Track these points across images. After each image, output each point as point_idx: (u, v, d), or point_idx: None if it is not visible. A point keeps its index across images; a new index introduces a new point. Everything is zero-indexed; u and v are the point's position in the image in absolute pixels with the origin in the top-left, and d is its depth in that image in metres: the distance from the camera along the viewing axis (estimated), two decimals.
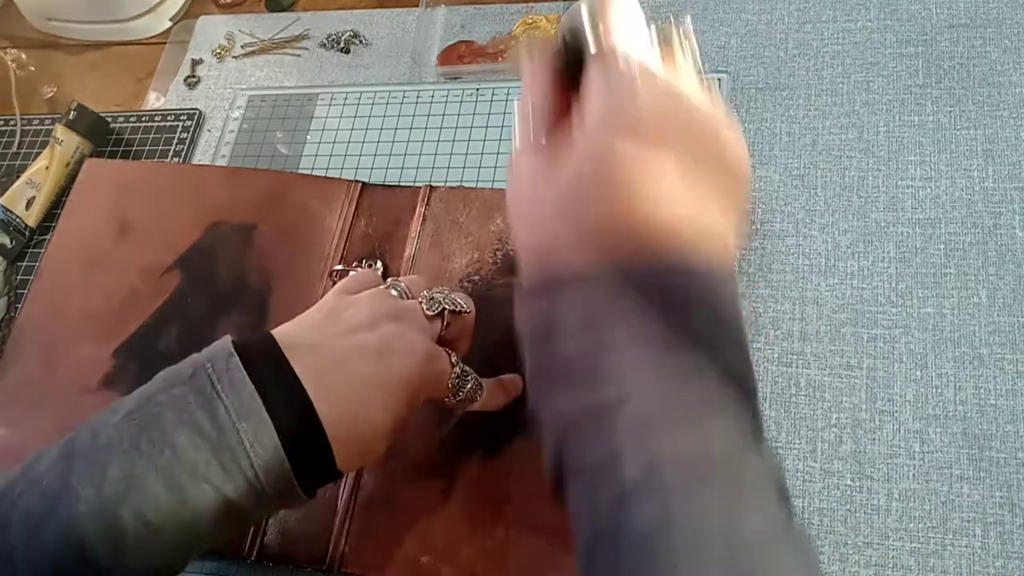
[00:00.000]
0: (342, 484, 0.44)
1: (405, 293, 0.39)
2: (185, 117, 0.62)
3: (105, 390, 0.49)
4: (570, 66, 0.32)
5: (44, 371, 0.51)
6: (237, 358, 0.32)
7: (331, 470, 0.34)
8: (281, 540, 0.43)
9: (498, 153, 0.55)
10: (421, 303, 0.39)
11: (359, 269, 0.49)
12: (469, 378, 0.39)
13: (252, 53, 0.65)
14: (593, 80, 0.29)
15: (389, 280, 0.41)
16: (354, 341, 0.35)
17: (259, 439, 0.31)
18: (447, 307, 0.39)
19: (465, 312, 0.40)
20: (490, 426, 0.44)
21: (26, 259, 0.59)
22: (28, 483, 0.31)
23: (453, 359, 0.38)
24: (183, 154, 0.60)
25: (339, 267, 0.51)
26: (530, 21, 0.60)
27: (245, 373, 0.32)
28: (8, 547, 0.30)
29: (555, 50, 0.32)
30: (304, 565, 0.43)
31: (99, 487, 0.30)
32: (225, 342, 0.34)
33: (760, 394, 0.44)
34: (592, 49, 0.30)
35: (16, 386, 0.51)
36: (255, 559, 0.43)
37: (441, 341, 0.39)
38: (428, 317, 0.38)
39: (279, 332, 0.35)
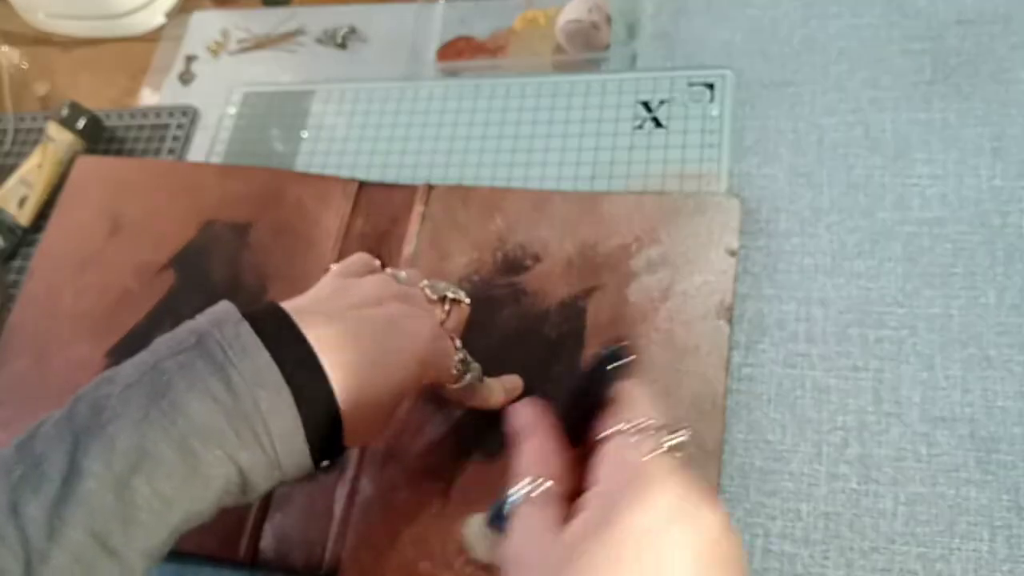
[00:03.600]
0: (338, 488, 0.43)
1: (405, 282, 0.39)
2: (180, 114, 0.61)
3: None
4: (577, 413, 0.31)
5: (37, 371, 0.51)
6: (247, 324, 0.32)
7: (339, 442, 0.34)
8: (277, 545, 0.43)
9: (498, 151, 0.54)
10: (424, 289, 0.39)
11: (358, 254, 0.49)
12: (472, 365, 0.39)
13: (247, 49, 0.64)
14: (609, 461, 0.28)
15: (388, 269, 0.40)
16: (364, 315, 0.35)
17: (276, 407, 0.31)
18: (448, 293, 0.39)
19: (463, 302, 0.40)
20: (490, 428, 0.43)
21: (18, 258, 0.58)
22: (28, 465, 0.30)
23: (457, 344, 0.38)
24: (178, 151, 0.60)
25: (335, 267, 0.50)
26: (530, 16, 0.59)
27: (258, 339, 0.32)
28: (19, 530, 0.29)
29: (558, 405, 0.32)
30: (300, 571, 0.42)
31: (108, 461, 0.30)
32: (228, 307, 0.33)
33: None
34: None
35: (9, 386, 0.51)
36: (250, 565, 0.43)
37: (442, 328, 0.39)
38: (430, 302, 0.39)
39: (286, 304, 0.35)
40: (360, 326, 0.34)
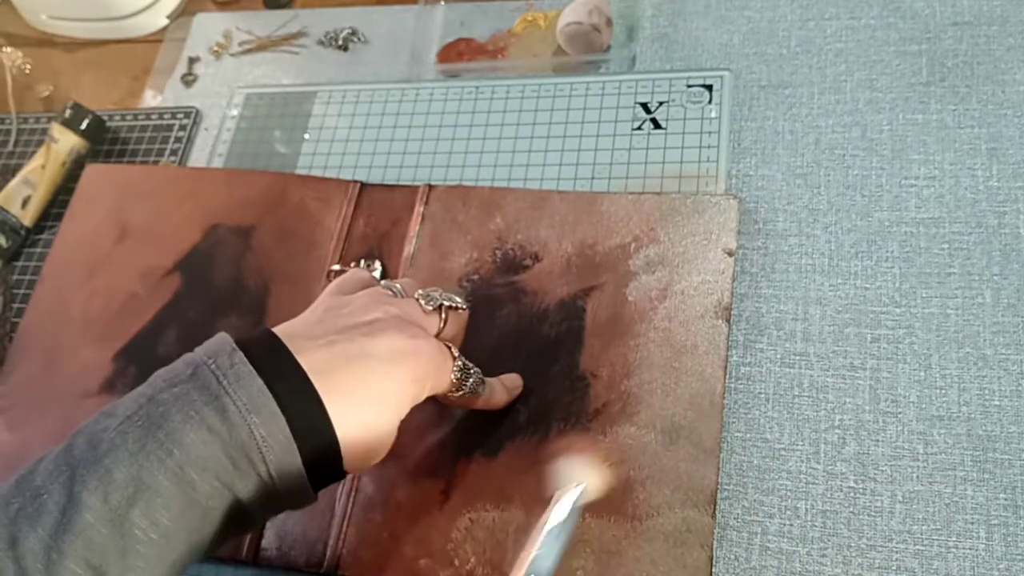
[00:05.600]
0: (339, 486, 0.44)
1: (400, 293, 0.39)
2: (182, 115, 0.62)
3: (105, 394, 0.49)
4: None
5: (46, 375, 0.51)
6: (241, 353, 0.32)
7: (337, 467, 0.33)
8: (278, 544, 0.43)
9: (498, 152, 0.54)
10: (419, 300, 0.39)
11: (354, 268, 0.49)
12: (472, 372, 0.39)
13: (250, 51, 0.64)
14: None
15: (383, 281, 0.40)
16: (356, 336, 0.35)
17: (271, 434, 0.31)
18: (444, 302, 0.39)
19: (461, 308, 0.40)
20: (490, 426, 0.43)
21: (21, 259, 0.59)
22: (26, 498, 0.30)
23: (455, 353, 0.38)
24: (180, 153, 0.60)
25: (337, 267, 0.50)
26: (530, 18, 0.59)
27: (252, 368, 0.32)
28: (16, 563, 0.29)
29: None
30: (302, 568, 0.42)
31: (105, 493, 0.29)
32: (223, 338, 0.33)
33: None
34: None
35: (19, 390, 0.51)
36: (252, 563, 0.43)
37: (439, 338, 0.39)
38: (426, 313, 0.38)
39: (279, 329, 0.35)
40: (352, 348, 0.34)
